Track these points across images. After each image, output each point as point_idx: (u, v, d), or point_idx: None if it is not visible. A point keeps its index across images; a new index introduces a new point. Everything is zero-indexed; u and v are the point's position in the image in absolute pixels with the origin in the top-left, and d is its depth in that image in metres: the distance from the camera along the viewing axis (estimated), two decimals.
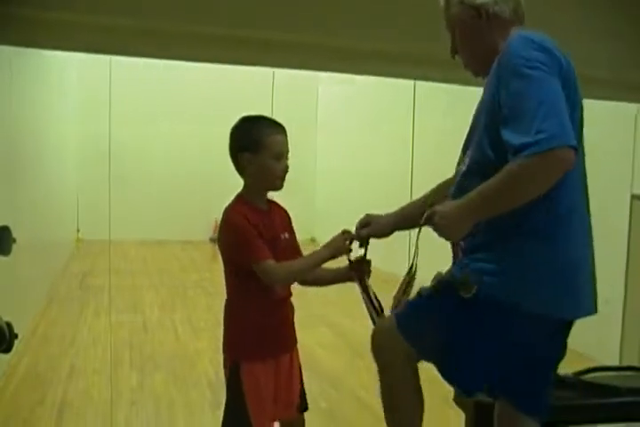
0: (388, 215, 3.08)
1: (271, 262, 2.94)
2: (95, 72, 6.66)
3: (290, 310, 3.22)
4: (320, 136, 14.89)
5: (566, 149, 2.31)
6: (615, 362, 6.17)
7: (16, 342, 2.32)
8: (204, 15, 3.75)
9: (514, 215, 2.41)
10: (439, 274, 2.66)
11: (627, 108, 6.02)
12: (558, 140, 2.29)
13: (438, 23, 2.87)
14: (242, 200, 3.08)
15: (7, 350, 2.30)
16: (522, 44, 2.46)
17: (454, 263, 2.66)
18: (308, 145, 14.02)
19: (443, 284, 2.59)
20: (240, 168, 3.07)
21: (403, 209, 3.07)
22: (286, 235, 3.19)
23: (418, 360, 2.73)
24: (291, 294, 3.22)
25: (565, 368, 2.71)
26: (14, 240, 2.48)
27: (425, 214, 2.55)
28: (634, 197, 6.52)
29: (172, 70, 10.24)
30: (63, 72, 11.38)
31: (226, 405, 3.12)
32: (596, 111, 6.65)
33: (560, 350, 2.70)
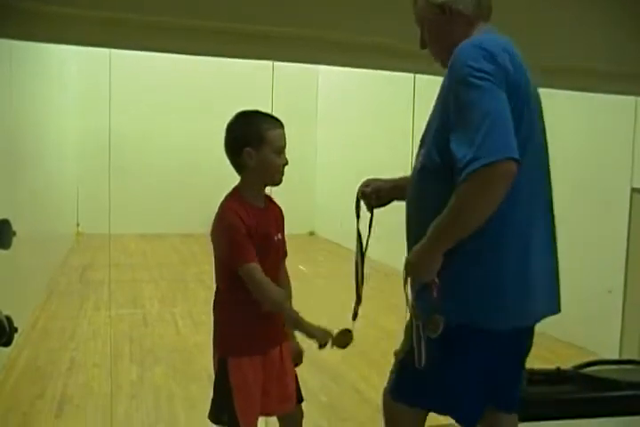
0: (386, 180, 3.13)
1: (257, 269, 2.95)
2: (95, 65, 6.65)
3: None
4: (320, 129, 14.88)
5: (507, 161, 2.31)
6: (615, 356, 6.18)
7: (16, 335, 2.32)
8: (204, 9, 3.74)
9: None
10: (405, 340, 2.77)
11: (626, 102, 6.02)
12: (499, 154, 2.30)
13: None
14: (238, 196, 3.08)
15: (7, 343, 2.30)
16: (471, 53, 2.48)
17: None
18: (308, 138, 14.03)
19: (412, 338, 2.63)
20: (240, 163, 3.05)
21: (398, 180, 3.10)
22: (279, 236, 3.20)
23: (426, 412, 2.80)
24: (289, 292, 3.23)
25: (565, 362, 2.72)
26: (14, 233, 2.48)
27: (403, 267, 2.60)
28: (634, 191, 6.53)
29: (172, 63, 10.21)
30: (63, 65, 11.36)
31: (213, 399, 3.13)
32: (595, 105, 6.68)
33: (526, 350, 2.84)
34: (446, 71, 2.57)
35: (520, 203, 2.51)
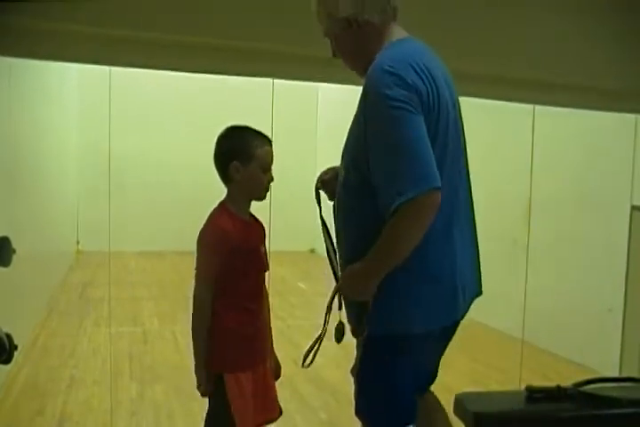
0: None
1: (202, 294, 3.06)
2: (95, 82, 6.66)
3: (266, 322, 3.28)
4: (320, 145, 14.88)
5: (430, 192, 2.39)
6: (615, 373, 6.17)
7: (16, 353, 2.32)
8: (204, 26, 3.76)
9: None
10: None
11: (626, 120, 6.04)
12: (422, 186, 2.38)
13: (439, 38, 2.89)
14: (226, 209, 3.13)
15: (7, 361, 2.29)
16: (383, 79, 2.47)
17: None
18: (308, 154, 14.01)
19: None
20: (226, 177, 3.11)
21: None
22: (263, 248, 3.24)
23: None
24: (268, 308, 3.25)
25: (566, 379, 2.71)
26: (14, 251, 2.48)
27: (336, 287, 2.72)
28: (634, 208, 6.53)
29: (172, 80, 10.24)
30: (63, 82, 11.39)
31: (210, 417, 3.13)
32: (595, 122, 6.69)
33: (452, 334, 3.00)
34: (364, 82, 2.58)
35: (440, 212, 2.49)
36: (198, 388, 3.13)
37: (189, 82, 10.90)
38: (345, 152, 2.76)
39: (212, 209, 3.15)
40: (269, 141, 3.13)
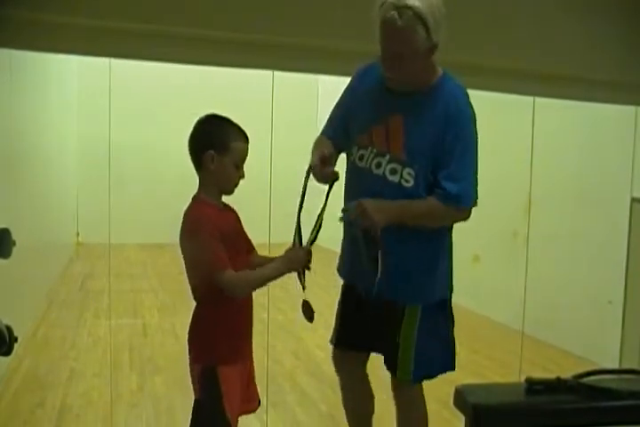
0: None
1: (231, 274, 2.95)
2: (95, 74, 6.64)
3: (251, 314, 3.23)
4: None
5: (470, 209, 3.16)
6: (615, 365, 6.17)
7: (16, 345, 2.32)
8: (204, 18, 3.76)
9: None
10: None
11: (626, 112, 6.03)
12: (472, 202, 3.14)
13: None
14: (202, 199, 3.10)
15: (7, 353, 2.29)
16: (467, 100, 3.17)
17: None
18: (308, 146, 13.93)
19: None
20: (200, 164, 3.07)
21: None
22: (243, 232, 3.23)
23: None
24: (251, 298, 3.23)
25: (565, 371, 2.71)
26: (14, 243, 2.48)
27: (354, 208, 3.07)
28: (634, 201, 6.53)
29: (172, 72, 10.21)
30: (63, 74, 11.37)
31: (199, 410, 3.10)
32: (596, 115, 6.69)
33: None
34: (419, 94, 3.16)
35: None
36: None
37: (189, 74, 10.87)
38: (415, 157, 3.11)
39: (188, 205, 3.11)
40: (247, 138, 3.10)
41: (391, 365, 3.35)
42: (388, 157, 3.15)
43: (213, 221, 2.99)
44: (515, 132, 7.66)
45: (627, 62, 4.64)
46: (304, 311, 3.16)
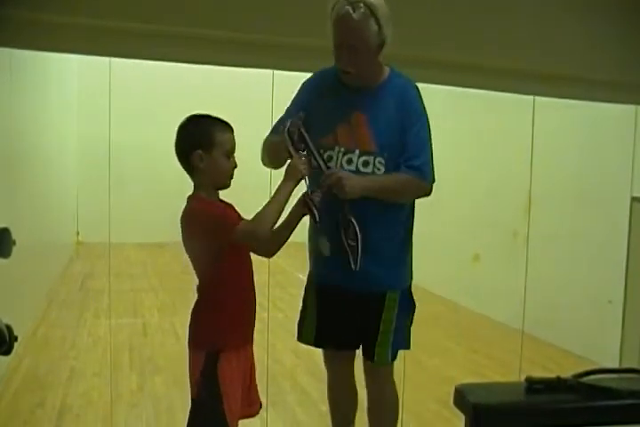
0: None
1: (243, 223, 3.00)
2: (95, 74, 6.64)
3: (254, 301, 3.24)
4: None
5: (431, 186, 3.40)
6: (615, 365, 6.17)
7: (16, 344, 2.32)
8: (204, 18, 3.76)
9: None
10: None
11: (626, 111, 6.03)
12: (430, 178, 3.37)
13: (437, 27, 2.90)
14: (201, 197, 3.10)
15: (7, 352, 2.29)
16: (417, 92, 3.43)
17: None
18: None
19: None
20: (190, 167, 3.08)
21: None
22: None
23: None
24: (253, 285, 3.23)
25: (565, 371, 2.72)
26: (14, 242, 2.48)
27: (328, 177, 3.19)
28: (634, 200, 6.53)
29: (172, 71, 10.21)
30: (63, 73, 11.37)
31: (198, 401, 3.10)
32: (596, 114, 6.69)
33: None
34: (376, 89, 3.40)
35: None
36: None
37: (189, 73, 10.85)
38: (385, 147, 3.32)
39: (185, 206, 3.13)
40: (230, 128, 3.12)
41: (370, 351, 3.50)
42: (357, 151, 3.30)
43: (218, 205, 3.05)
44: (515, 132, 7.66)
45: (627, 62, 4.64)
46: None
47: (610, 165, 6.88)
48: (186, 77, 11.72)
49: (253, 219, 2.99)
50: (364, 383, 3.72)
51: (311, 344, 3.63)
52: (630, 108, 5.94)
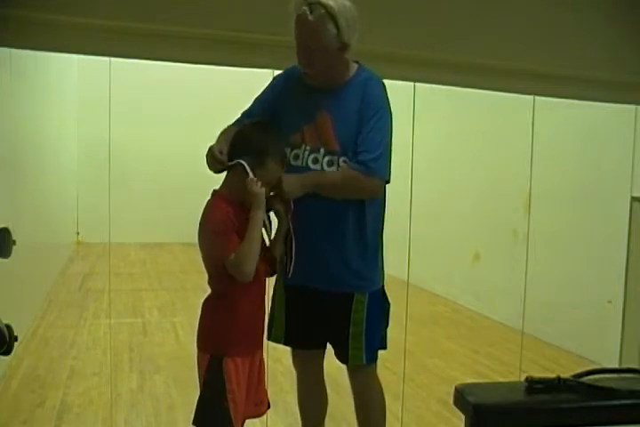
0: None
1: (233, 258, 3.00)
2: (95, 74, 6.64)
3: (264, 308, 3.28)
4: None
5: (383, 183, 3.36)
6: (615, 364, 6.17)
7: (16, 344, 2.32)
8: (205, 18, 3.76)
9: None
10: None
11: (626, 110, 6.03)
12: (381, 174, 3.31)
13: (436, 28, 2.89)
14: (225, 198, 3.13)
15: (7, 352, 2.29)
16: (381, 88, 3.39)
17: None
18: None
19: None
20: (252, 171, 3.07)
21: None
22: None
23: None
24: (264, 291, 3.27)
25: (565, 371, 2.72)
26: (14, 242, 2.48)
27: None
28: (634, 200, 6.53)
29: (172, 71, 10.22)
30: (63, 74, 11.38)
31: (203, 402, 3.11)
32: (596, 114, 6.69)
33: None
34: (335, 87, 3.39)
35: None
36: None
37: (190, 73, 10.87)
38: (347, 146, 3.31)
39: (207, 200, 3.16)
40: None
41: (343, 352, 3.52)
42: (322, 151, 3.32)
43: (231, 217, 3.04)
44: (515, 131, 7.66)
45: (627, 62, 4.64)
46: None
47: (610, 164, 6.88)
48: (185, 78, 11.72)
49: (238, 258, 2.99)
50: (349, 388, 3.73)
51: (280, 343, 3.66)
52: (630, 108, 5.93)
